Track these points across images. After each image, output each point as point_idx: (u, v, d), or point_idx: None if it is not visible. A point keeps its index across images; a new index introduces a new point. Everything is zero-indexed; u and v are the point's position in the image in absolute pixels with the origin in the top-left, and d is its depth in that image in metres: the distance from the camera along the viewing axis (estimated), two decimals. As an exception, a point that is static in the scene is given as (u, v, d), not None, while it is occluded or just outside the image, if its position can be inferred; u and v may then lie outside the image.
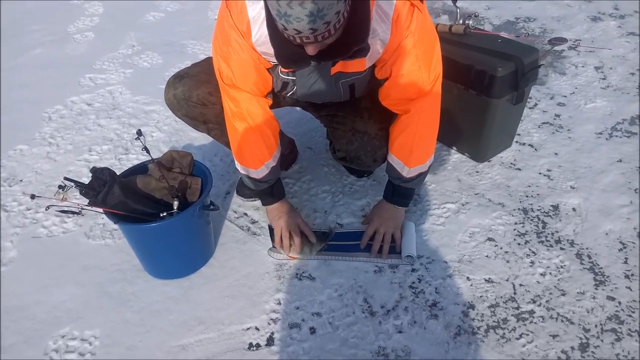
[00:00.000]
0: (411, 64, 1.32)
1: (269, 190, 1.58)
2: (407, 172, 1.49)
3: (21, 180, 2.06)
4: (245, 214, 1.82)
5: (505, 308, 1.42)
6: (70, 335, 1.43)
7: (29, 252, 1.72)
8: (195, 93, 1.51)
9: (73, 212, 1.27)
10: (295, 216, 1.62)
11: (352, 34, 1.12)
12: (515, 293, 1.46)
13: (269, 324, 1.43)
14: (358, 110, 1.57)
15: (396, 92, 1.40)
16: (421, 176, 1.52)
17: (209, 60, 1.50)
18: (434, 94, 1.39)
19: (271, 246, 1.65)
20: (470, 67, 1.77)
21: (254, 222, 1.78)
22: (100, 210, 1.36)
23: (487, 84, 1.75)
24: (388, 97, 1.44)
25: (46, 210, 1.25)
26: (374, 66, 1.41)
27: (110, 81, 2.82)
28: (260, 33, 1.24)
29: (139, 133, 1.37)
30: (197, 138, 2.23)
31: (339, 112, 1.62)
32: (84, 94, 2.69)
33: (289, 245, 1.59)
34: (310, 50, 1.11)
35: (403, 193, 1.58)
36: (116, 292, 1.55)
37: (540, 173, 1.90)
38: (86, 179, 1.52)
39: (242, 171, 1.55)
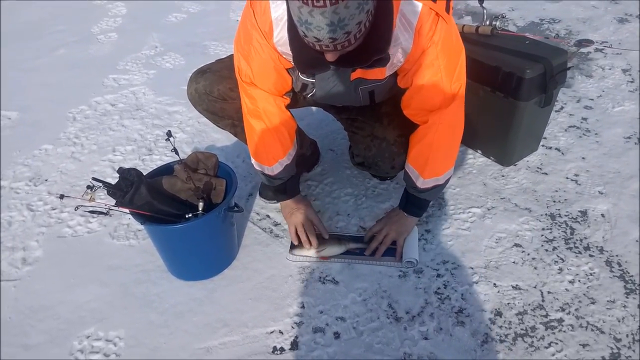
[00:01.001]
0: (432, 75, 1.30)
1: (282, 187, 1.60)
2: (422, 182, 1.47)
3: (46, 180, 2.08)
4: (268, 216, 1.81)
5: (534, 316, 1.40)
6: (95, 335, 1.44)
7: (54, 252, 1.73)
8: (217, 88, 1.52)
9: (101, 213, 1.27)
10: (309, 213, 1.62)
11: (372, 43, 1.11)
12: (543, 300, 1.44)
13: (292, 327, 1.42)
14: (378, 115, 1.56)
15: (416, 102, 1.39)
16: (436, 188, 1.49)
17: (232, 57, 1.51)
18: (455, 106, 1.36)
19: (290, 249, 1.64)
20: (497, 69, 1.75)
21: (276, 224, 1.77)
22: (127, 210, 1.36)
23: (515, 86, 1.72)
24: (409, 107, 1.43)
25: (75, 210, 1.26)
26: (396, 74, 1.40)
27: (134, 82, 2.84)
28: (282, 34, 1.24)
29: (169, 134, 1.38)
30: (220, 139, 2.23)
31: (359, 116, 1.61)
32: (107, 94, 2.72)
33: (307, 241, 1.59)
34: (329, 57, 1.10)
35: (416, 203, 1.56)
36: (140, 293, 1.56)
37: (567, 178, 1.87)
38: (111, 179, 1.54)
39: (257, 167, 1.57)
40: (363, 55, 1.14)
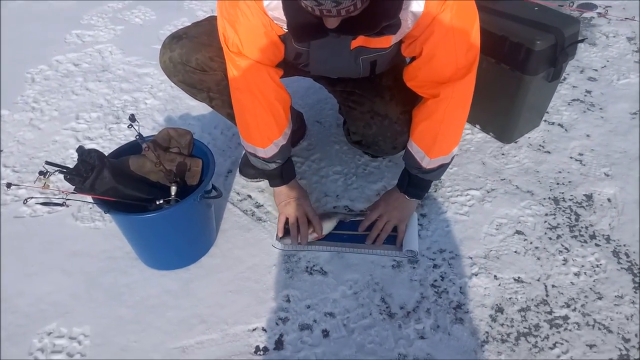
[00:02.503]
0: (445, 43, 1.14)
1: (278, 171, 1.43)
2: (428, 162, 1.32)
3: (1, 151, 1.88)
4: (249, 197, 1.66)
5: (537, 312, 1.30)
6: (58, 332, 1.30)
7: (11, 235, 1.56)
8: (195, 57, 1.32)
9: (56, 204, 1.10)
10: (305, 204, 1.47)
11: (381, 7, 0.95)
12: (547, 295, 1.34)
13: (277, 324, 1.29)
14: (378, 89, 1.39)
15: (425, 73, 1.22)
16: (442, 167, 1.36)
17: (212, 21, 1.31)
18: (469, 78, 1.21)
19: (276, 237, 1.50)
20: (504, 39, 1.58)
21: (258, 205, 1.62)
22: (89, 198, 1.19)
23: (523, 59, 1.56)
24: (415, 79, 1.27)
25: (24, 203, 1.08)
26: (400, 41, 1.23)
27: (100, 39, 2.59)
28: None
29: (132, 119, 1.17)
30: (196, 107, 2.04)
31: (356, 89, 1.44)
32: (70, 52, 2.47)
33: (296, 235, 1.44)
34: (330, 24, 0.94)
35: (419, 184, 1.41)
36: (108, 284, 1.41)
37: (571, 157, 1.74)
38: (73, 152, 1.34)
39: (248, 149, 1.39)
40: (370, 21, 0.97)
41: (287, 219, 1.46)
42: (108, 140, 1.91)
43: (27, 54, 2.46)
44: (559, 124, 1.89)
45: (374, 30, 1.00)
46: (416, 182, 1.41)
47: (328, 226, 1.48)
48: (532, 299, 1.33)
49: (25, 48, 2.53)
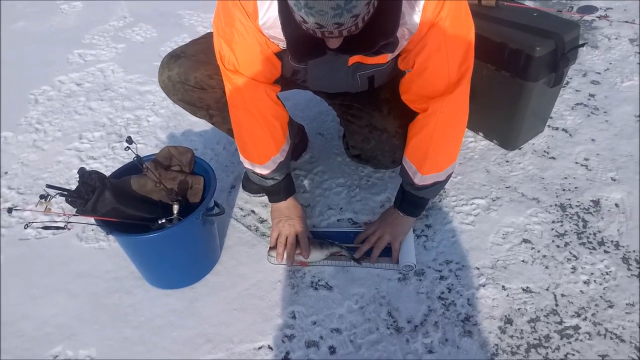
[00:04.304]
0: (437, 57, 1.13)
1: (276, 188, 1.42)
2: (420, 178, 1.30)
3: (6, 173, 1.88)
4: (253, 212, 1.65)
5: (547, 323, 1.27)
6: (64, 355, 1.29)
7: (16, 257, 1.56)
8: (193, 75, 1.32)
9: (58, 228, 1.09)
10: (298, 224, 1.44)
11: (379, 26, 0.94)
12: (557, 305, 1.31)
13: (283, 341, 1.28)
14: (377, 102, 1.38)
15: (418, 86, 1.21)
16: (436, 185, 1.33)
17: (209, 38, 1.31)
18: (459, 92, 1.19)
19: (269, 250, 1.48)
20: (503, 46, 1.57)
21: (262, 220, 1.61)
22: (90, 220, 1.19)
23: (523, 65, 1.55)
24: (408, 92, 1.26)
25: (25, 228, 1.07)
26: (398, 55, 1.22)
27: (101, 57, 2.61)
28: (268, 15, 1.07)
29: (129, 141, 1.17)
30: (197, 123, 2.04)
31: (354, 102, 1.43)
32: (72, 72, 2.49)
33: (282, 254, 1.43)
34: (332, 44, 0.94)
35: (413, 201, 1.39)
36: (113, 304, 1.40)
37: (577, 162, 1.72)
38: (77, 171, 1.35)
39: (246, 165, 1.38)
40: (368, 41, 0.96)
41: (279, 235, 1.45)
42: (111, 159, 1.92)
43: (30, 75, 2.48)
44: (563, 129, 1.87)
45: (371, 49, 0.99)
46: (410, 199, 1.39)
47: (316, 255, 1.43)
48: (542, 309, 1.30)
49: (28, 69, 2.55)
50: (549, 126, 1.88)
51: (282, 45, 1.15)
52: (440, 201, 1.62)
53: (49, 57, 2.63)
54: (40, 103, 2.27)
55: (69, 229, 1.10)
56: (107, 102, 2.24)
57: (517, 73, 1.58)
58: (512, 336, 1.25)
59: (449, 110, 1.21)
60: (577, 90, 2.06)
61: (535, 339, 1.24)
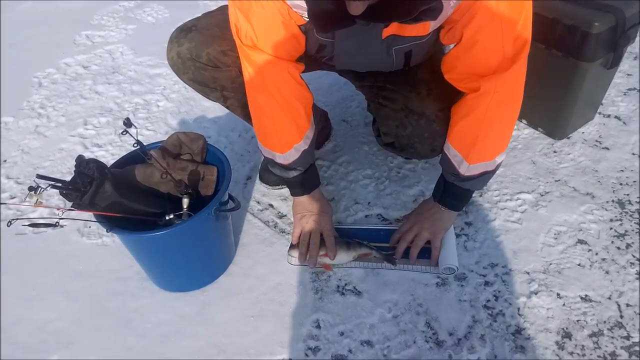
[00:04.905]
0: (491, 27, 0.95)
1: (299, 180, 1.26)
2: (466, 168, 1.13)
3: (5, 161, 1.75)
4: (271, 206, 1.49)
5: (612, 337, 1.10)
6: (60, 366, 1.15)
7: (11, 254, 1.42)
8: (205, 52, 1.16)
9: (48, 225, 0.94)
10: (324, 221, 1.29)
11: None
12: (622, 316, 1.14)
13: (306, 355, 1.13)
14: (413, 83, 1.21)
15: (465, 63, 1.04)
16: (485, 175, 1.16)
17: (224, 10, 1.14)
18: (516, 69, 1.01)
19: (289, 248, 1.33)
20: (555, 22, 1.39)
21: (281, 215, 1.46)
22: (88, 216, 1.04)
23: (578, 43, 1.37)
24: (453, 70, 1.08)
25: (8, 226, 0.92)
26: (439, 27, 1.05)
27: (110, 39, 2.47)
28: None
29: (127, 123, 0.99)
30: (211, 108, 1.88)
31: (387, 84, 1.26)
32: (79, 54, 2.35)
33: (305, 253, 1.27)
34: (354, 9, 0.78)
35: (456, 193, 1.22)
36: (115, 309, 1.26)
37: (633, 154, 1.54)
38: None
39: (266, 154, 1.23)
40: (406, 5, 0.81)
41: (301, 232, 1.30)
42: (118, 146, 1.77)
43: (35, 57, 2.35)
44: (615, 117, 1.68)
45: (410, 15, 0.83)
46: (453, 191, 1.22)
47: (342, 257, 1.27)
48: (605, 322, 1.13)
49: (33, 51, 2.43)
50: (599, 113, 1.69)
51: (307, 16, 0.99)
52: (480, 196, 1.44)
53: (55, 39, 2.50)
54: (44, 86, 2.13)
55: (61, 227, 0.95)
56: (114, 85, 2.10)
57: (570, 52, 1.40)
58: (571, 352, 1.08)
59: (504, 91, 1.03)
60: (628, 74, 1.87)
61: (599, 356, 1.07)
